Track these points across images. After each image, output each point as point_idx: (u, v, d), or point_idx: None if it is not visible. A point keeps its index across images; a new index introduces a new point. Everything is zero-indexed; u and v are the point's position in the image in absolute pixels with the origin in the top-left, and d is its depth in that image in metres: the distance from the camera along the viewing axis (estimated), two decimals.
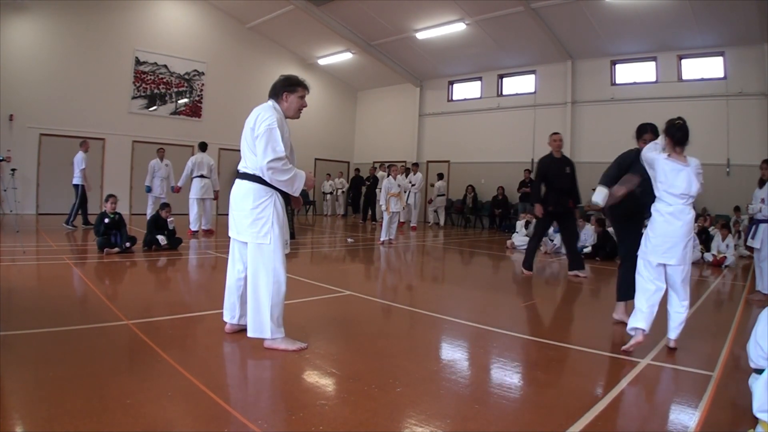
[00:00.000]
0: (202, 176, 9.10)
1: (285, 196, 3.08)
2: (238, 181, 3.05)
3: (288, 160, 2.92)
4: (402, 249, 8.99)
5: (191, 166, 9.10)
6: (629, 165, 3.90)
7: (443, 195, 14.68)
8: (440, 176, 14.86)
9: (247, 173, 2.98)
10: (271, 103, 3.06)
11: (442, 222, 14.53)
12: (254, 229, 2.94)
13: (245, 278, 3.10)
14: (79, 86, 12.25)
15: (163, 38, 13.72)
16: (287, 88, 3.06)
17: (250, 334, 2.97)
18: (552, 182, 6.12)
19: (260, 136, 2.85)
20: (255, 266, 2.95)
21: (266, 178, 2.91)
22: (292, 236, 3.23)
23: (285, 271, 3.00)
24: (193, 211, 9.04)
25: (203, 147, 9.41)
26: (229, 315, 3.23)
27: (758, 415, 1.97)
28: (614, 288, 4.16)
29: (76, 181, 9.43)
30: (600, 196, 3.79)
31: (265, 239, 2.93)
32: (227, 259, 3.27)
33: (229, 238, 3.19)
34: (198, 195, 9.03)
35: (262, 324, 2.92)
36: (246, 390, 2.46)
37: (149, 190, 9.84)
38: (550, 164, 6.18)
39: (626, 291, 3.84)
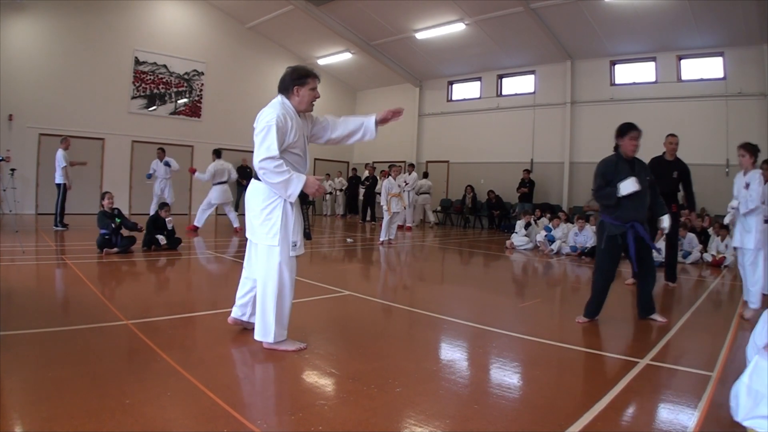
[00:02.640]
0: (221, 182, 9.69)
1: (300, 195, 2.89)
2: (252, 181, 3.00)
3: (285, 161, 2.81)
4: (401, 249, 8.99)
5: (212, 172, 9.64)
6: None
7: (428, 193, 14.63)
8: (425, 175, 15.03)
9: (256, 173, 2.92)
10: (280, 99, 2.93)
11: (432, 219, 14.38)
12: (264, 230, 2.88)
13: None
14: (78, 86, 12.24)
15: (163, 38, 13.72)
16: (297, 82, 2.91)
17: (256, 336, 2.95)
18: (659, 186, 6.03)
19: (258, 133, 2.78)
20: (264, 268, 2.90)
21: (259, 178, 2.84)
22: (308, 237, 3.20)
23: (292, 274, 2.94)
24: (208, 212, 9.74)
25: (219, 154, 9.97)
26: (240, 312, 3.24)
27: (745, 423, 1.91)
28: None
29: (59, 180, 9.39)
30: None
31: (273, 241, 2.86)
32: (233, 258, 3.27)
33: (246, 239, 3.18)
34: (218, 201, 9.73)
35: (267, 327, 2.88)
36: (245, 390, 2.46)
37: (149, 176, 10.51)
38: (657, 166, 5.84)
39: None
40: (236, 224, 10.00)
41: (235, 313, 3.25)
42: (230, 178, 9.93)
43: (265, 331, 2.89)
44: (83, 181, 11.53)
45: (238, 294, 3.24)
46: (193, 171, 10.16)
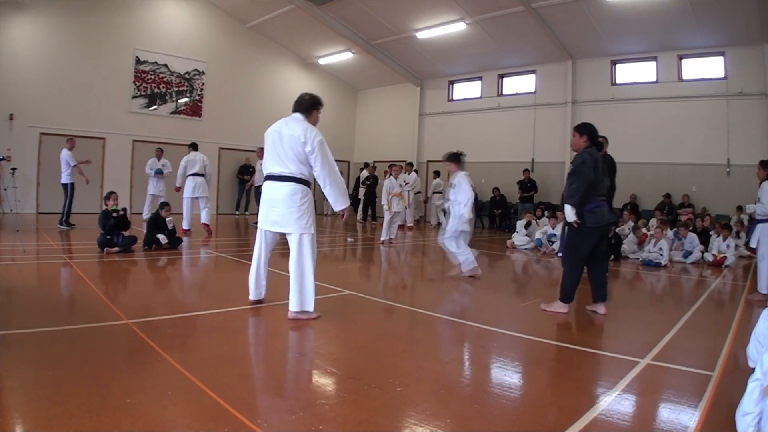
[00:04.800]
0: (195, 174, 9.18)
1: None
2: (278, 183, 3.57)
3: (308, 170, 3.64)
4: (402, 249, 8.98)
5: (184, 165, 9.18)
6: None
7: (440, 192, 14.54)
8: (436, 174, 14.83)
9: (293, 176, 3.55)
10: (301, 117, 3.66)
11: (434, 222, 14.39)
12: (302, 222, 3.55)
13: (268, 261, 3.80)
14: (79, 85, 12.24)
15: (164, 37, 13.72)
16: (316, 107, 3.75)
17: (294, 308, 3.55)
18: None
19: (315, 149, 3.52)
20: (302, 252, 3.55)
21: (296, 180, 3.56)
22: None
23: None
24: (187, 210, 9.19)
25: (194, 147, 9.54)
26: (258, 293, 3.84)
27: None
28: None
29: (65, 180, 9.36)
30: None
31: (310, 230, 3.58)
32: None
33: (250, 231, 3.52)
34: (190, 194, 9.14)
35: (305, 300, 3.56)
36: (246, 389, 2.46)
37: (160, 172, 10.46)
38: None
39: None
40: (205, 220, 9.19)
41: (258, 294, 3.83)
42: (206, 172, 9.30)
43: (307, 303, 3.57)
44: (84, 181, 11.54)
45: (260, 277, 3.80)
46: (177, 190, 9.48)
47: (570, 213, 4.05)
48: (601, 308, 4.20)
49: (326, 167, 3.55)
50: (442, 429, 2.04)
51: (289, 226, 3.55)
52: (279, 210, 3.56)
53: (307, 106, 3.69)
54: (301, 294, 3.55)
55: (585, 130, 4.38)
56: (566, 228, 4.32)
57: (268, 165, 3.65)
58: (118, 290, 4.70)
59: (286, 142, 3.53)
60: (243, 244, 8.32)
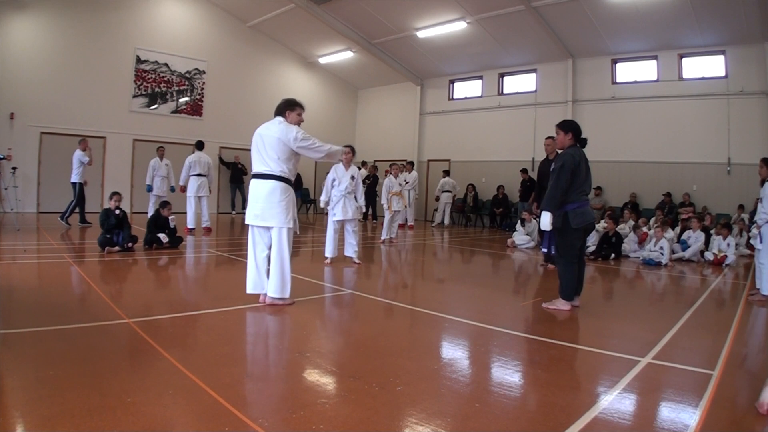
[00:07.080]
0: (198, 175, 9.24)
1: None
2: (261, 180, 3.88)
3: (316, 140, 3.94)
4: (403, 248, 8.98)
5: (189, 165, 9.22)
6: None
7: (449, 191, 14.47)
8: (446, 173, 14.73)
9: (273, 174, 3.86)
10: (281, 119, 3.96)
11: (446, 221, 14.29)
12: (284, 216, 3.85)
13: (268, 256, 3.94)
14: (79, 85, 12.25)
15: (164, 37, 13.72)
16: (291, 107, 4.02)
17: (275, 295, 3.85)
18: (541, 182, 6.78)
19: (303, 139, 3.84)
20: (282, 244, 3.86)
21: (277, 178, 3.85)
22: None
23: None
24: (191, 209, 9.19)
25: (200, 146, 9.53)
26: (260, 287, 3.95)
27: None
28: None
29: (75, 179, 9.45)
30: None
31: (289, 224, 3.88)
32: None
33: (246, 230, 3.86)
34: (194, 193, 9.19)
35: (285, 287, 3.88)
36: (247, 388, 2.46)
37: (150, 189, 10.13)
38: (541, 166, 6.95)
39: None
40: (207, 223, 9.34)
41: (257, 289, 3.96)
42: (209, 174, 9.38)
43: (284, 290, 3.88)
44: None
45: (260, 274, 3.94)
46: (182, 190, 9.41)
47: (546, 221, 4.12)
48: (576, 301, 4.40)
49: (318, 154, 3.93)
50: (442, 428, 2.04)
51: (270, 220, 3.86)
52: (261, 205, 3.86)
53: (282, 108, 4.04)
54: (282, 282, 3.86)
55: (570, 127, 4.32)
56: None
57: (254, 165, 3.99)
58: (118, 289, 4.70)
59: (267, 143, 3.87)
60: (244, 242, 8.32)
